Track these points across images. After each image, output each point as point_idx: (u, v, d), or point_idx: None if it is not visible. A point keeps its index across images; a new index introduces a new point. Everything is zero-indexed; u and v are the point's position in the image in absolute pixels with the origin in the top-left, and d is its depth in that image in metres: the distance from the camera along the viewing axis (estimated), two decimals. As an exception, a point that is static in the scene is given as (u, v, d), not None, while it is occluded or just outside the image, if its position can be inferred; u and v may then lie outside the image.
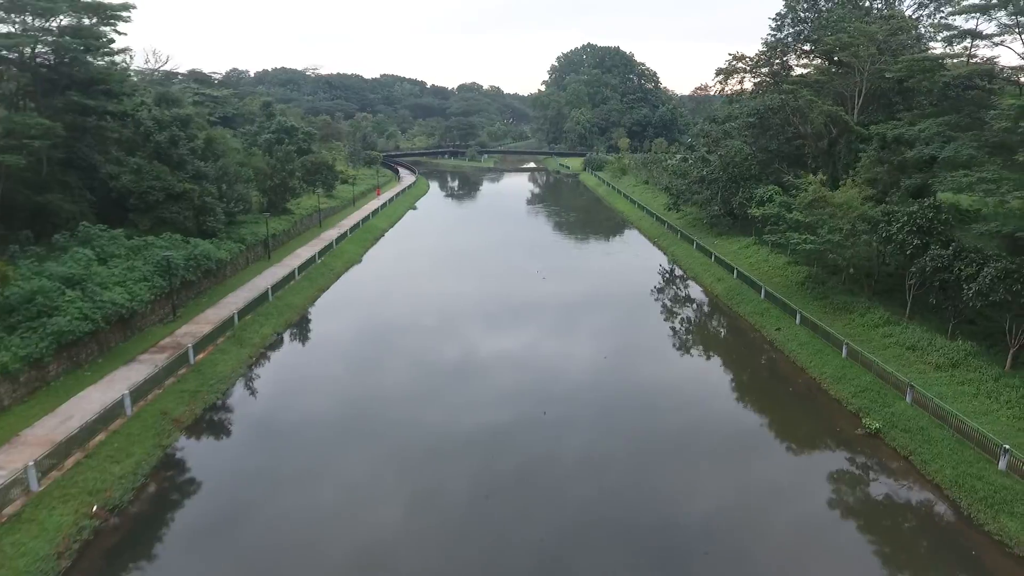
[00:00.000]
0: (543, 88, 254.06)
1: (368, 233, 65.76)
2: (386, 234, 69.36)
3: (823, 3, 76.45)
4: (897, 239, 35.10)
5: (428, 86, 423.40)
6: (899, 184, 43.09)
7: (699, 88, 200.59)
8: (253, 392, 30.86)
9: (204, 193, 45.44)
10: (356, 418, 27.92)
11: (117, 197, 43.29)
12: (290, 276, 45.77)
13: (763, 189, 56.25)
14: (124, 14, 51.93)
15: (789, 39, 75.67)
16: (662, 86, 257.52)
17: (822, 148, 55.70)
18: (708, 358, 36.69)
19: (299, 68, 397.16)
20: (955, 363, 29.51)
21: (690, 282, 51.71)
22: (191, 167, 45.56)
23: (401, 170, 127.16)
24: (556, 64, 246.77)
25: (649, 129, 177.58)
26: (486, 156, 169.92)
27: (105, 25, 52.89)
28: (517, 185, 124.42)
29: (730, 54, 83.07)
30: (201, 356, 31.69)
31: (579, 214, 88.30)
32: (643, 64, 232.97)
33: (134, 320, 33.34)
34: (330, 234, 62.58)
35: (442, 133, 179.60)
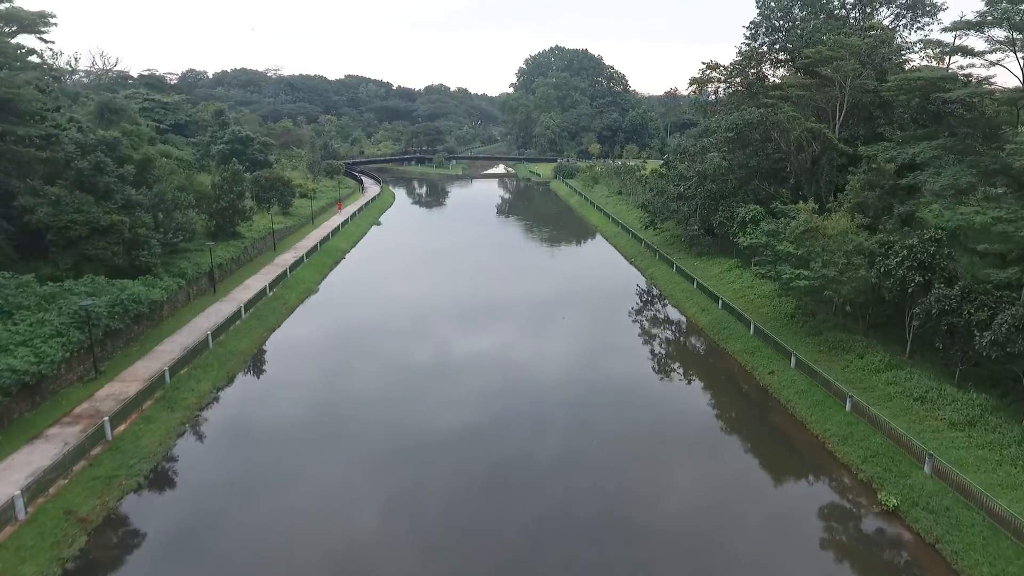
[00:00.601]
0: (511, 90, 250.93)
1: (327, 256, 61.36)
2: (347, 256, 65.01)
3: (797, 12, 74.46)
4: (897, 275, 32.42)
5: (394, 87, 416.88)
6: (891, 210, 40.68)
7: (669, 92, 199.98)
8: (182, 472, 26.60)
9: (137, 224, 40.74)
10: (307, 509, 23.93)
11: (36, 230, 38.51)
12: (236, 315, 41.37)
13: (744, 208, 53.67)
14: (43, 27, 47.01)
15: (764, 48, 73.54)
16: (631, 89, 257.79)
17: (804, 165, 53.24)
18: (699, 410, 33.46)
19: (260, 69, 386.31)
20: (971, 421, 26.79)
21: (672, 310, 48.64)
22: (121, 196, 40.80)
23: (365, 180, 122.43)
24: (524, 67, 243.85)
25: (619, 134, 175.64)
26: (454, 163, 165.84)
27: (27, 33, 47.82)
28: (486, 194, 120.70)
29: (703, 63, 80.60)
30: (121, 428, 27.34)
31: (551, 228, 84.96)
32: (612, 67, 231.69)
33: (44, 384, 28.81)
34: (285, 259, 58.10)
35: (408, 138, 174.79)
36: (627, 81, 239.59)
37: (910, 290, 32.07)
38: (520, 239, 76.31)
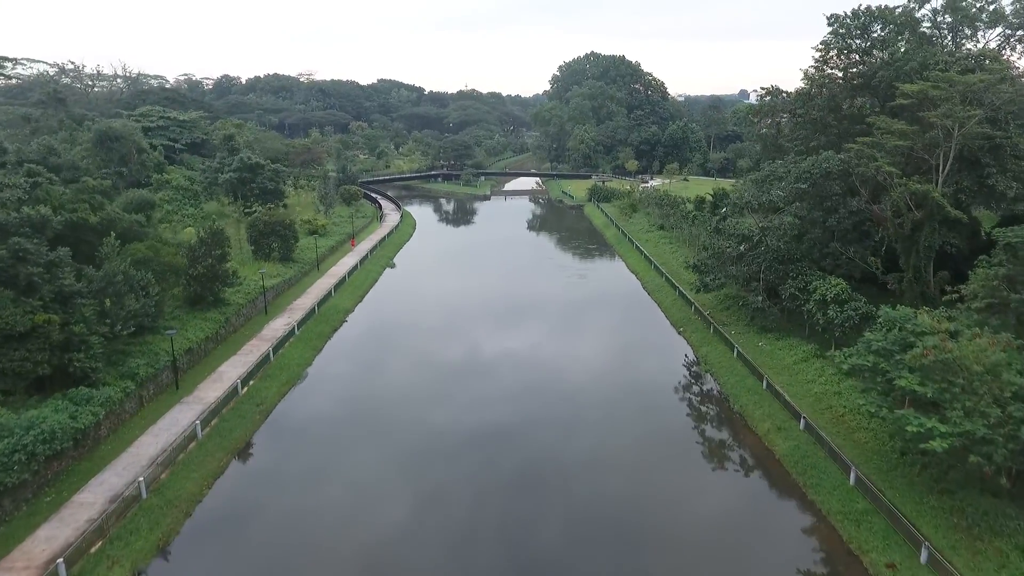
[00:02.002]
0: (546, 89, 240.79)
1: (324, 324, 53.12)
2: (349, 318, 56.71)
3: (878, 31, 63.70)
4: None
5: (426, 92, 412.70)
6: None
7: (711, 102, 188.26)
8: None
9: (73, 321, 32.96)
10: None
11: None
12: (191, 436, 33.24)
13: (823, 282, 43.77)
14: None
15: (838, 73, 62.86)
16: (670, 96, 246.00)
17: (901, 231, 43.00)
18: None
19: (293, 74, 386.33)
20: None
21: (735, 421, 38.93)
22: (51, 287, 32.99)
23: (385, 204, 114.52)
24: (558, 74, 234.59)
25: (658, 148, 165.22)
26: (482, 179, 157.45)
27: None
28: (513, 221, 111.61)
29: (763, 88, 70.61)
30: None
31: (584, 273, 75.54)
32: (650, 74, 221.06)
33: None
34: (276, 328, 50.13)
35: (436, 153, 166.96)
36: (665, 88, 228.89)
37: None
38: (547, 290, 67.18)
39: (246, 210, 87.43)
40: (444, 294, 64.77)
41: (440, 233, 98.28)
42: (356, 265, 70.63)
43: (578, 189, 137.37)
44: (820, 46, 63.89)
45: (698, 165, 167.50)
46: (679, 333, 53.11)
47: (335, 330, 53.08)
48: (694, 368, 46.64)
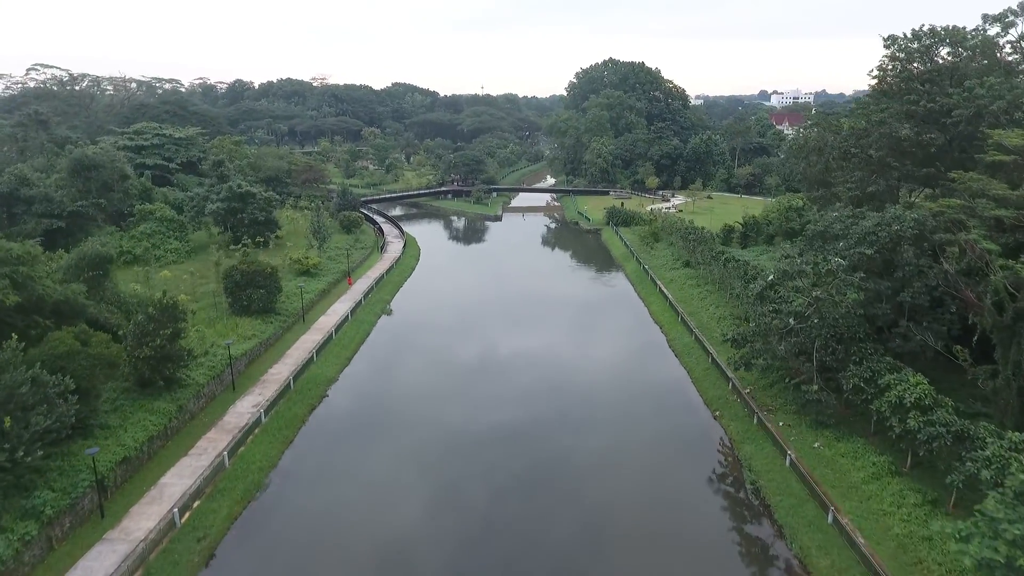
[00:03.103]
0: (564, 91, 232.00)
1: (300, 402, 45.77)
2: (331, 391, 49.35)
3: (945, 54, 55.13)
4: None
5: (441, 96, 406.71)
6: None
7: (738, 119, 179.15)
8: None
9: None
10: None
11: None
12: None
13: (899, 381, 35.59)
14: None
15: (897, 109, 54.25)
16: (691, 102, 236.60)
17: (1000, 322, 34.71)
18: None
19: (306, 79, 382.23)
20: None
21: (792, 565, 30.90)
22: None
23: (387, 229, 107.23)
24: (574, 81, 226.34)
25: (680, 163, 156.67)
26: (494, 195, 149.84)
27: None
28: (524, 252, 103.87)
29: (808, 120, 62.37)
30: None
31: (600, 321, 67.68)
32: (670, 81, 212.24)
33: None
34: (241, 410, 42.95)
35: (446, 167, 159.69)
36: (686, 96, 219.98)
37: None
38: (559, 347, 59.46)
39: (233, 246, 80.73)
40: (440, 352, 57.22)
41: (444, 265, 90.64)
42: (347, 315, 63.33)
43: (595, 209, 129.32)
44: (876, 72, 55.64)
45: (722, 180, 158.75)
46: (714, 417, 45.09)
47: (312, 410, 45.69)
48: (734, 476, 38.57)
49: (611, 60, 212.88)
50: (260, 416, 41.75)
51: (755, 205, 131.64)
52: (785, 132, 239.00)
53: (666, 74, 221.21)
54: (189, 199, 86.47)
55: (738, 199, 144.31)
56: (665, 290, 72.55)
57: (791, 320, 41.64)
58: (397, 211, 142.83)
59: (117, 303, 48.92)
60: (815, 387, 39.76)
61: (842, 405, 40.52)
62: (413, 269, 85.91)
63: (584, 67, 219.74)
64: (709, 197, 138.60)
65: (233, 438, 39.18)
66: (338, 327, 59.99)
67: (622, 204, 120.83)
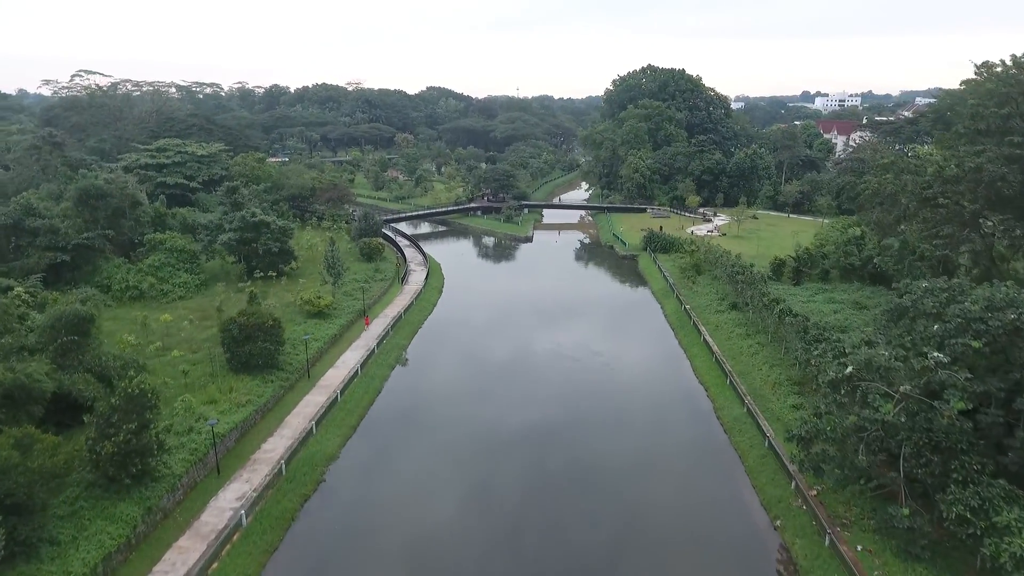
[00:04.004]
0: (602, 92, 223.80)
1: (291, 493, 39.92)
2: (329, 472, 43.45)
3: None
4: None
5: (474, 101, 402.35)
6: None
7: (787, 135, 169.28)
8: None
9: None
10: None
11: None
12: None
13: (1016, 517, 28.09)
14: None
15: (996, 152, 46.01)
16: (731, 105, 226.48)
17: None
18: None
19: (341, 84, 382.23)
20: None
21: None
22: None
23: (410, 253, 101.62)
24: (611, 89, 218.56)
25: (722, 178, 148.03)
26: (525, 211, 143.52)
27: None
28: (555, 281, 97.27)
29: (883, 157, 54.50)
30: None
31: (636, 378, 60.72)
32: (712, 89, 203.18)
33: None
34: (222, 505, 37.38)
35: (477, 181, 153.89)
36: (729, 104, 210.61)
37: None
38: (584, 411, 52.83)
39: (243, 281, 76.20)
40: (453, 422, 51.03)
41: (466, 302, 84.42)
42: (357, 368, 57.67)
43: (631, 230, 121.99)
44: (971, 103, 47.48)
45: (768, 198, 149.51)
46: (774, 527, 37.88)
47: (304, 501, 39.89)
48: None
49: (650, 67, 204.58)
50: (241, 519, 36.06)
51: (805, 227, 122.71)
52: (833, 141, 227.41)
53: (706, 76, 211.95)
54: (204, 227, 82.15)
55: (786, 219, 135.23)
56: (710, 339, 65.19)
57: (875, 427, 34.09)
58: (424, 227, 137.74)
59: (97, 369, 44.02)
60: (906, 511, 32.29)
61: (937, 527, 33.02)
62: (434, 305, 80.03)
63: (621, 74, 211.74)
64: (754, 217, 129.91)
65: (208, 548, 33.63)
66: (345, 385, 54.32)
67: (660, 228, 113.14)
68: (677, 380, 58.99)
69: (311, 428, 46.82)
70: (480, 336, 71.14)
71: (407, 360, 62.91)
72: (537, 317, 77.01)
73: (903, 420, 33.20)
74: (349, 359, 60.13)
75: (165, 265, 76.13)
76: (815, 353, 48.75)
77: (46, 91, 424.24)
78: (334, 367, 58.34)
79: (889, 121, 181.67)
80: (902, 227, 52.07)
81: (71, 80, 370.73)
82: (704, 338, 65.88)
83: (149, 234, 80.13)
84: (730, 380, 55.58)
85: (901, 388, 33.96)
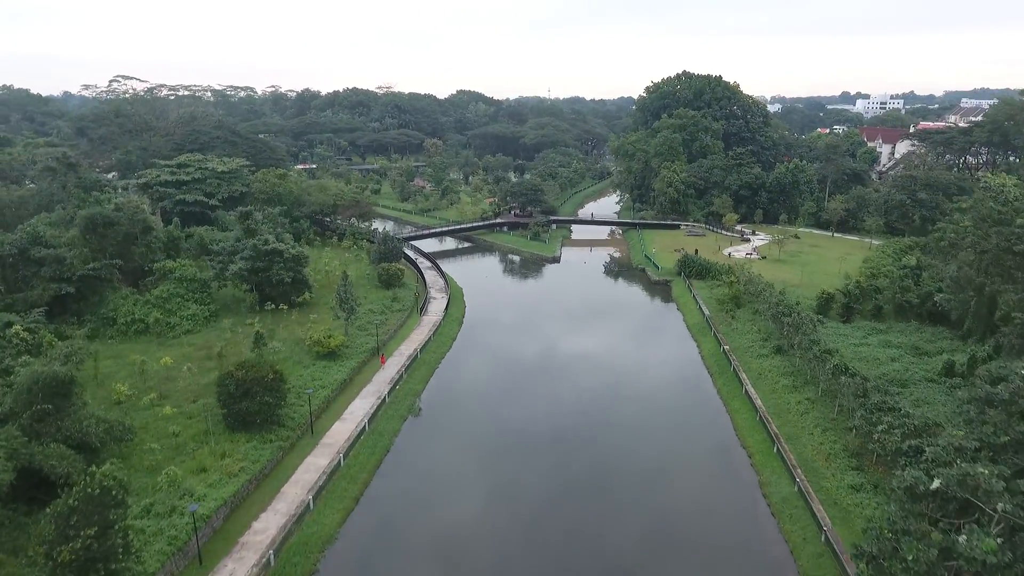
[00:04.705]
0: (639, 99, 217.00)
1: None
2: (324, 557, 38.92)
3: None
4: None
5: (503, 105, 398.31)
6: None
7: (831, 147, 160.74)
8: None
9: None
10: None
11: None
12: None
13: None
14: None
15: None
16: (767, 106, 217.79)
17: None
18: None
19: (372, 88, 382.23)
20: None
21: None
22: None
23: (430, 277, 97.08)
24: (644, 96, 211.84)
25: (761, 193, 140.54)
26: (553, 227, 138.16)
27: None
28: (581, 311, 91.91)
29: (961, 201, 48.02)
30: None
31: (670, 440, 55.09)
32: (750, 96, 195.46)
33: None
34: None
35: (503, 195, 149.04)
36: (768, 113, 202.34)
37: None
38: (612, 478, 47.51)
39: (253, 314, 72.56)
40: (467, 480, 46.18)
41: (488, 334, 79.47)
42: (365, 424, 53.17)
43: (664, 250, 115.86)
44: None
45: (810, 214, 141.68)
46: (836, 655, 32.10)
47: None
48: None
49: (684, 73, 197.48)
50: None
51: (852, 249, 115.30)
52: (878, 150, 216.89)
53: (741, 75, 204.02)
54: (216, 252, 78.81)
55: (830, 238, 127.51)
56: (752, 391, 59.21)
57: (972, 568, 28.02)
58: (449, 242, 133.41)
59: (77, 436, 40.28)
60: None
61: None
62: (453, 340, 75.31)
63: (655, 79, 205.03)
64: (796, 236, 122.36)
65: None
66: (351, 444, 49.91)
67: (696, 251, 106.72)
68: (717, 442, 53.07)
69: (308, 502, 42.37)
70: (499, 379, 66.10)
71: (420, 410, 58.21)
72: (561, 354, 71.71)
73: (1009, 556, 27.13)
74: (358, 409, 55.73)
75: (174, 296, 72.91)
76: (880, 429, 42.77)
77: (87, 95, 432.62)
78: (341, 419, 53.97)
79: (940, 132, 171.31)
80: (981, 279, 45.52)
81: (109, 85, 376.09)
82: (746, 389, 59.89)
83: (160, 261, 77.09)
84: (777, 447, 49.61)
85: (999, 507, 27.99)
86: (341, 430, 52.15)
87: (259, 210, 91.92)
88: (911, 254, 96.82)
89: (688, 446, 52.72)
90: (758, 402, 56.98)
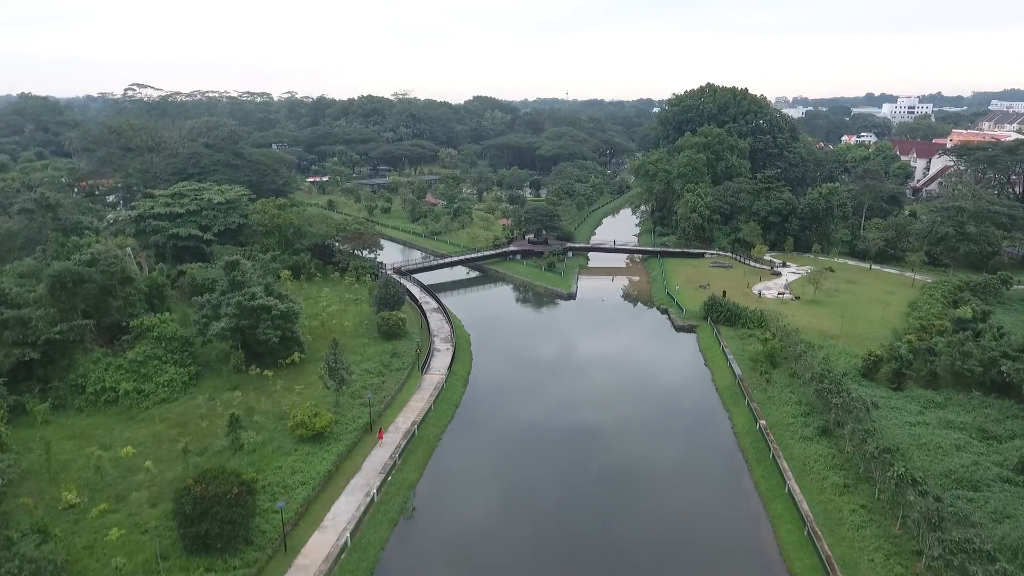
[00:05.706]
0: (661, 112, 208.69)
1: None
2: None
3: None
4: None
5: (520, 113, 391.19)
6: None
7: (868, 172, 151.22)
8: None
9: None
10: None
11: None
12: None
13: None
14: None
15: None
16: (789, 108, 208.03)
17: None
18: None
19: (386, 95, 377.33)
20: None
21: None
22: None
23: (434, 324, 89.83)
24: (666, 108, 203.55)
25: (792, 220, 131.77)
26: (570, 254, 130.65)
27: None
28: (597, 363, 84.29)
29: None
30: None
31: (699, 561, 47.38)
32: (777, 111, 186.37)
33: None
34: None
35: (517, 221, 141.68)
36: (796, 128, 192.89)
37: None
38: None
39: (240, 369, 66.22)
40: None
41: (494, 397, 72.02)
42: (347, 538, 46.07)
43: (688, 284, 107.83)
44: None
45: (845, 242, 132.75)
46: None
47: None
48: None
49: (709, 86, 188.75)
50: None
51: (893, 286, 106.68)
52: (912, 165, 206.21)
53: (763, 76, 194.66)
54: (199, 306, 72.45)
55: (867, 271, 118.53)
56: (796, 489, 51.19)
57: None
58: (458, 270, 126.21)
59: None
60: None
61: None
62: (456, 407, 68.08)
63: (676, 88, 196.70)
64: (831, 270, 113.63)
65: None
66: (331, 565, 42.87)
67: (724, 293, 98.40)
68: (759, 567, 45.15)
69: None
70: (502, 463, 58.65)
71: (414, 509, 51.01)
72: (573, 430, 63.87)
73: None
74: (341, 512, 48.66)
75: (151, 359, 66.52)
76: (956, 563, 34.96)
77: (102, 103, 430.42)
78: (320, 528, 46.90)
79: (981, 147, 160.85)
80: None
81: (124, 93, 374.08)
82: (789, 487, 51.87)
83: (139, 317, 70.83)
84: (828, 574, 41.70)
85: None
86: (320, 544, 45.10)
87: (250, 256, 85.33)
88: (964, 300, 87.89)
89: (720, 567, 44.89)
90: (804, 506, 49.00)
